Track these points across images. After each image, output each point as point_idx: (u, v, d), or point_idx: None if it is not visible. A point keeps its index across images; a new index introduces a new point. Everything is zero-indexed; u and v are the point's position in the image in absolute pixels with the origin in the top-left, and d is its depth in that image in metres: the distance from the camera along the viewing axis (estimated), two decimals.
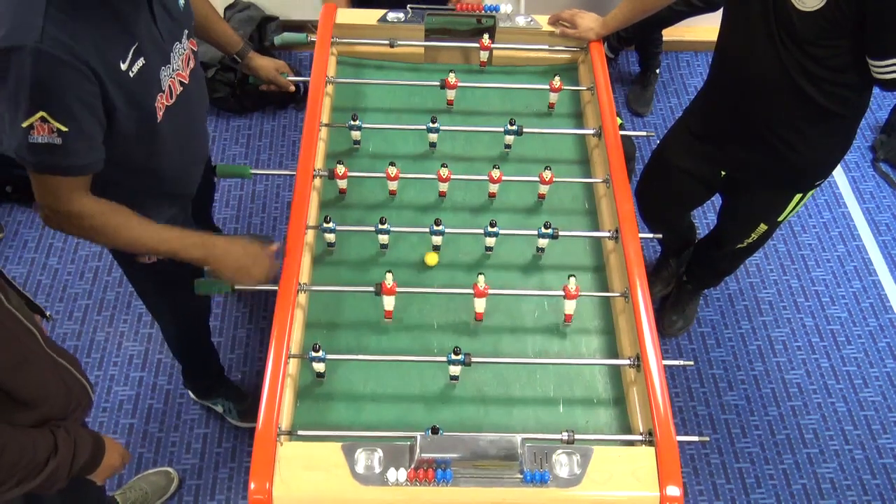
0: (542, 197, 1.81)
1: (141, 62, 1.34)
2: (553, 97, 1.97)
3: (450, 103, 1.97)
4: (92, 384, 1.42)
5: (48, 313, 1.44)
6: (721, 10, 1.85)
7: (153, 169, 1.51)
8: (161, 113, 1.44)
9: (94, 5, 1.25)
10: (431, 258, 1.69)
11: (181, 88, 1.50)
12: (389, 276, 1.53)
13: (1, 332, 1.15)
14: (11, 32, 1.18)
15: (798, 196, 1.98)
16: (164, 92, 1.43)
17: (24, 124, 1.21)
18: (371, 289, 1.57)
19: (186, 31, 1.53)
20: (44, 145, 1.23)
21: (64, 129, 1.23)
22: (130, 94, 1.34)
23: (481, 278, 1.54)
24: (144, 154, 1.46)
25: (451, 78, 1.89)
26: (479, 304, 1.58)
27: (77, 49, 1.21)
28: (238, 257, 1.50)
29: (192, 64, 1.56)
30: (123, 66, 1.30)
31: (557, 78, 1.93)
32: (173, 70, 1.46)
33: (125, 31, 1.31)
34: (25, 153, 1.25)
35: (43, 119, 1.21)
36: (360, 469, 1.30)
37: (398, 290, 1.55)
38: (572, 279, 1.56)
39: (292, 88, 2.01)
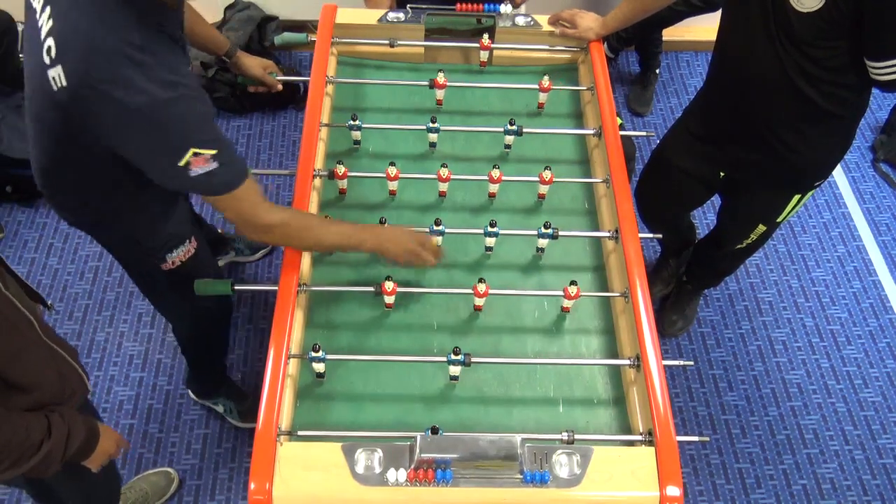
0: (541, 197, 1.81)
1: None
2: (543, 97, 1.96)
3: (439, 103, 1.96)
4: (87, 373, 1.43)
5: (49, 302, 1.45)
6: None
7: None
8: None
9: (166, 40, 1.28)
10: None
11: None
12: (388, 284, 1.54)
13: None
14: (134, 95, 1.19)
15: (797, 196, 1.98)
16: None
17: (182, 164, 1.26)
18: (371, 289, 1.57)
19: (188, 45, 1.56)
20: (205, 174, 1.28)
21: (214, 152, 1.28)
22: None
23: (482, 286, 1.54)
24: None
25: (440, 78, 1.89)
26: (479, 301, 1.59)
27: (184, 80, 1.26)
28: (405, 243, 1.58)
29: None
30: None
31: (546, 77, 1.92)
32: None
33: (184, 53, 1.36)
34: (196, 187, 1.31)
35: (195, 154, 1.26)
36: (360, 469, 1.30)
37: (398, 289, 1.56)
38: (574, 287, 1.56)
39: (280, 87, 2.04)
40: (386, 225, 1.62)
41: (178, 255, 1.70)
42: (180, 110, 1.24)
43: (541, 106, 1.99)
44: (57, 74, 1.21)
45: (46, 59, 1.22)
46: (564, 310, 1.63)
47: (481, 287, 1.54)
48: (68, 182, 1.51)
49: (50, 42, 1.22)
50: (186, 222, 1.72)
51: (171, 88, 1.22)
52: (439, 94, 1.95)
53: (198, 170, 1.27)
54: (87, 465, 1.39)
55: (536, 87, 1.99)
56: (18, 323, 1.22)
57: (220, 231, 2.66)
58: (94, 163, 1.42)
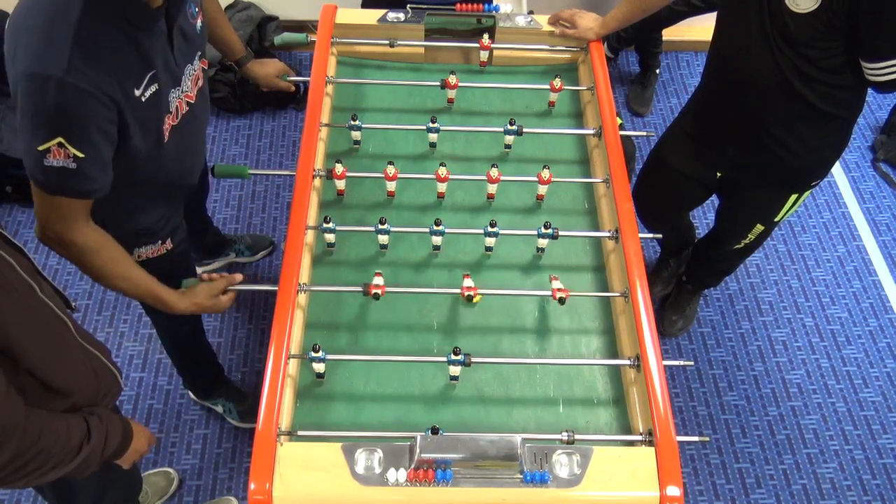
0: (541, 197, 1.81)
1: (154, 88, 1.36)
2: (553, 96, 1.97)
3: (450, 101, 1.97)
4: (121, 371, 1.42)
5: (74, 304, 1.44)
6: None
7: (149, 180, 1.52)
8: (167, 134, 1.45)
9: (118, 39, 1.27)
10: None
11: (187, 108, 1.51)
12: (379, 279, 1.55)
13: (37, 323, 1.16)
14: (39, 60, 1.20)
15: (794, 196, 1.98)
16: (171, 113, 1.45)
17: (41, 148, 1.23)
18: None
19: (199, 53, 1.54)
20: (58, 169, 1.26)
21: (80, 155, 1.25)
22: (142, 118, 1.36)
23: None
24: (143, 169, 1.47)
25: (452, 79, 1.89)
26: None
27: (100, 80, 1.23)
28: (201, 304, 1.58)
29: (200, 83, 1.57)
30: (137, 93, 1.32)
31: (558, 79, 1.93)
32: (182, 92, 1.48)
33: (143, 60, 1.33)
34: (38, 174, 1.27)
35: (60, 144, 1.23)
36: (360, 469, 1.30)
37: (398, 290, 1.56)
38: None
39: (293, 89, 2.05)
40: (184, 294, 1.58)
41: (147, 251, 1.69)
42: (72, 97, 1.20)
43: (552, 104, 2.00)
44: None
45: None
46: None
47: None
48: None
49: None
50: (168, 225, 1.69)
51: (83, 79, 1.19)
52: (451, 93, 1.95)
53: (53, 161, 1.24)
54: (119, 464, 1.39)
55: (536, 87, 2.00)
56: (55, 326, 1.21)
57: (222, 233, 2.66)
58: None
